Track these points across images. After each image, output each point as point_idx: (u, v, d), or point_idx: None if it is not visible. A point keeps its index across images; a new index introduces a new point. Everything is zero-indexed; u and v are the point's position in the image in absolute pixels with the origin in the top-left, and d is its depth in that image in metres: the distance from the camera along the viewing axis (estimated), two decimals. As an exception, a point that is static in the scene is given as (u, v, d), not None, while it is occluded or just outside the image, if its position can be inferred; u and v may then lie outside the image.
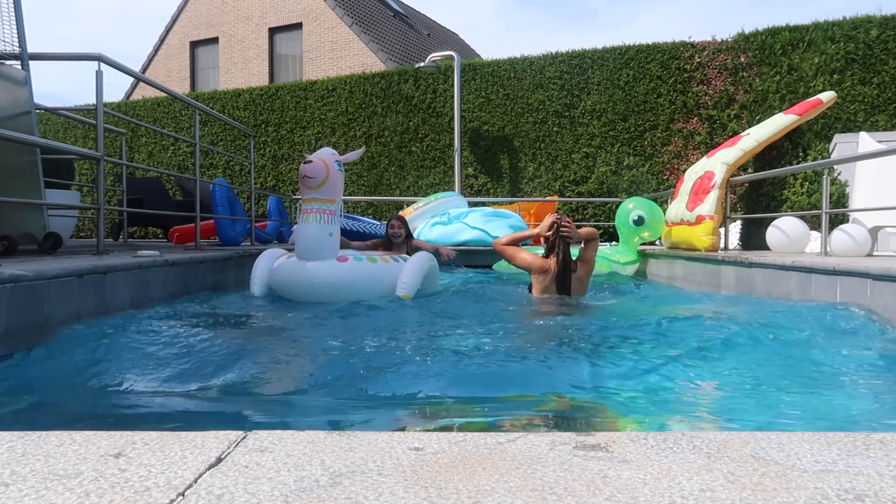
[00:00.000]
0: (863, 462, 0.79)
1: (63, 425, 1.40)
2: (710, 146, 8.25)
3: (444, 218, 7.27)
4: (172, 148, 12.08)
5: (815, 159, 6.11)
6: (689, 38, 8.81)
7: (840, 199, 5.90)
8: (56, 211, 4.89)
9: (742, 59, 8.44)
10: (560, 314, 3.40)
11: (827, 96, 5.77)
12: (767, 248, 5.09)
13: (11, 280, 2.15)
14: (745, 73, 8.42)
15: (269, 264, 3.87)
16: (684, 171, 7.21)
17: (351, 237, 6.75)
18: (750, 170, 6.94)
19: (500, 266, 5.88)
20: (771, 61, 8.18)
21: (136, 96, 16.55)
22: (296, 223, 8.15)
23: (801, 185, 6.20)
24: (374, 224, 7.00)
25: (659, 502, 0.67)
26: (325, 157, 3.69)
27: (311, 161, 3.59)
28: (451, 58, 9.54)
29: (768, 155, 6.52)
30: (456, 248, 5.86)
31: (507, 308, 3.76)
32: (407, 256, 4.13)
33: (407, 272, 3.81)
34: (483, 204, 9.12)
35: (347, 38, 15.50)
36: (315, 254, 3.65)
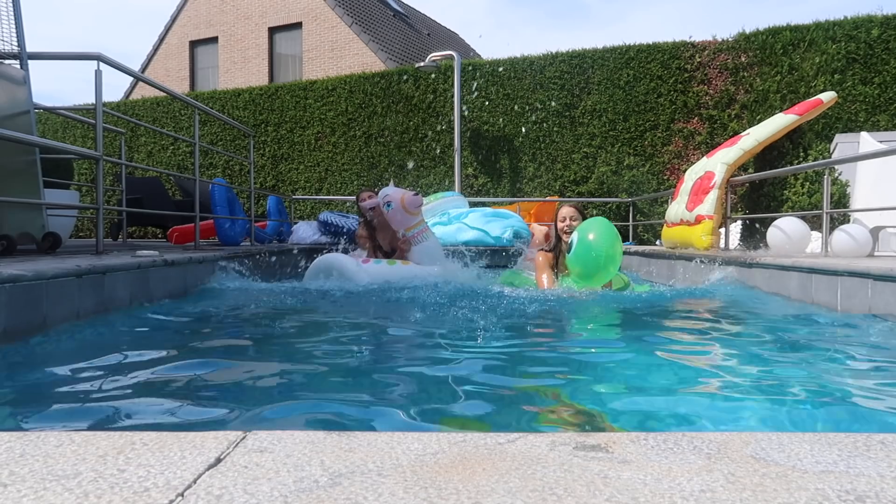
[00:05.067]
0: (864, 463, 0.79)
1: (62, 426, 1.40)
2: (710, 146, 8.25)
3: (444, 218, 7.27)
4: (172, 147, 12.08)
5: (815, 159, 6.10)
6: (690, 37, 8.82)
7: (841, 199, 5.89)
8: (55, 210, 4.89)
9: (743, 59, 8.44)
10: (563, 313, 3.39)
11: (827, 96, 5.77)
12: (768, 248, 5.08)
13: (10, 280, 2.14)
14: (745, 73, 8.41)
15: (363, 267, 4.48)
16: (684, 172, 7.21)
17: (350, 236, 6.74)
18: (750, 170, 6.94)
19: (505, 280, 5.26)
20: (772, 61, 8.18)
21: (136, 96, 16.55)
22: (295, 223, 8.15)
23: (802, 186, 6.20)
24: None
25: (659, 503, 0.67)
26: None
27: (418, 193, 4.60)
28: (451, 57, 9.54)
29: (769, 155, 6.52)
30: (456, 248, 5.85)
31: (510, 308, 3.75)
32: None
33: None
34: (483, 204, 9.12)
35: (347, 37, 15.50)
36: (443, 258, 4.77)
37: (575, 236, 3.92)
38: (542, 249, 4.34)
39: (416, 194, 4.51)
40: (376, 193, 5.14)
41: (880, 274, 2.75)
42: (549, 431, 0.94)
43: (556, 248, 4.27)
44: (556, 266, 4.23)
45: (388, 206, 4.53)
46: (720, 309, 3.69)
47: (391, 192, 4.60)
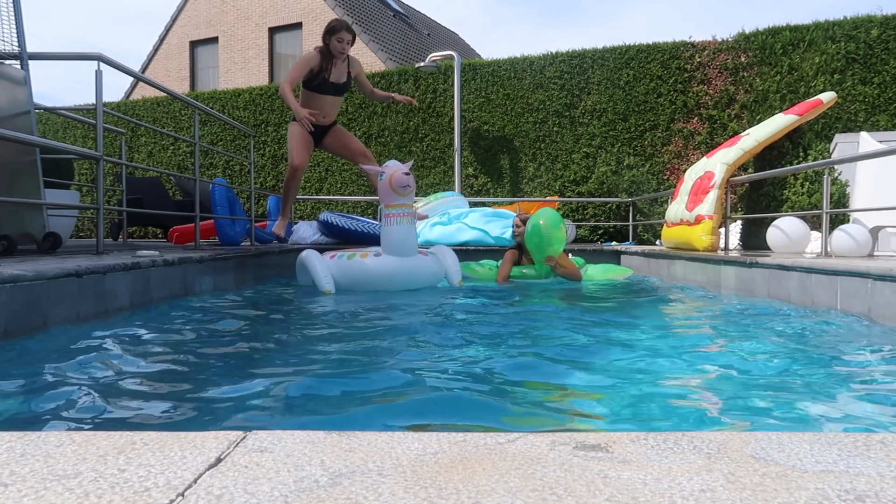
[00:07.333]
0: (863, 462, 0.79)
1: (62, 426, 1.40)
2: (710, 146, 8.25)
3: (444, 218, 7.27)
4: (172, 148, 12.07)
5: (815, 159, 6.11)
6: (690, 37, 8.82)
7: (840, 199, 5.89)
8: (55, 211, 4.89)
9: (742, 59, 8.44)
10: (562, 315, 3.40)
11: (827, 97, 5.77)
12: (768, 248, 5.08)
13: (10, 280, 2.15)
14: (745, 73, 8.41)
15: (326, 262, 4.37)
16: (684, 172, 7.21)
17: (351, 237, 6.74)
18: (750, 170, 6.94)
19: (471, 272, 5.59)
20: (771, 61, 8.18)
21: (136, 96, 16.55)
22: (296, 223, 8.15)
23: (802, 185, 6.20)
24: (373, 224, 6.99)
25: (659, 503, 0.67)
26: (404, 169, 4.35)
27: (409, 174, 4.26)
28: (451, 58, 9.54)
29: (769, 155, 6.52)
30: (456, 248, 5.85)
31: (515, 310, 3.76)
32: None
33: (452, 264, 4.72)
34: (483, 204, 9.12)
35: (347, 37, 15.48)
36: (413, 251, 4.36)
37: (529, 224, 5.19)
38: (510, 248, 5.61)
39: (408, 174, 4.23)
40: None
41: (880, 274, 2.75)
42: (549, 431, 0.94)
43: (519, 246, 5.51)
44: (521, 259, 5.48)
45: (381, 176, 4.40)
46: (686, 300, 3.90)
47: (392, 165, 4.43)
